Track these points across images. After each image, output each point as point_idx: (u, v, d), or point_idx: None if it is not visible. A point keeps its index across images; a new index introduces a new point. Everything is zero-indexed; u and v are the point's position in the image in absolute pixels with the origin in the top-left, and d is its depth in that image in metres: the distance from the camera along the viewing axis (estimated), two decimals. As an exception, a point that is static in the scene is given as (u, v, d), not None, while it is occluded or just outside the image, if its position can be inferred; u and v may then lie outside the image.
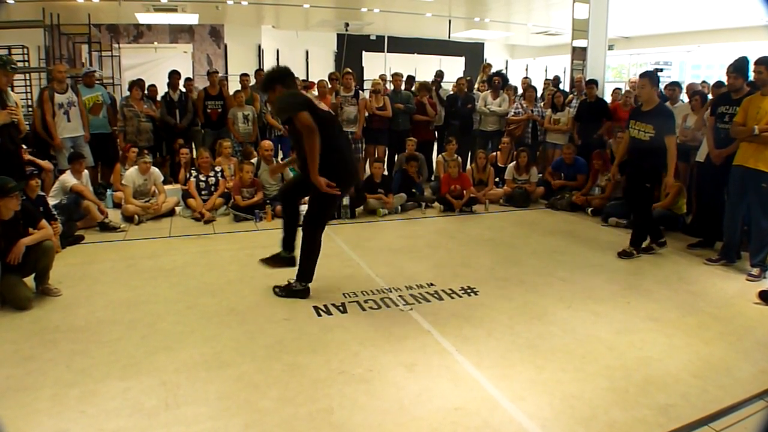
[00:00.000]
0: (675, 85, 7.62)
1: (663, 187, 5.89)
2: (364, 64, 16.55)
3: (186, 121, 8.57)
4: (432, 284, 4.63)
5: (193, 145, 8.76)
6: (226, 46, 14.83)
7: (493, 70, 10.94)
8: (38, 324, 3.78)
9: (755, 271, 4.88)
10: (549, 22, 14.27)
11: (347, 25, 14.56)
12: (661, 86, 8.22)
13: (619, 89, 9.60)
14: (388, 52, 16.30)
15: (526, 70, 18.71)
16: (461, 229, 6.63)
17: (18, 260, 4.01)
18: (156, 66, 13.60)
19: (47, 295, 4.23)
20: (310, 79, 11.08)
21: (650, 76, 5.40)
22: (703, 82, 9.90)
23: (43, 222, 4.32)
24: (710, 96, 6.74)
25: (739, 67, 5.22)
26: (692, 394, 2.98)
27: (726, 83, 5.64)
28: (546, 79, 11.60)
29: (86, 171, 6.70)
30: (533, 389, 3.01)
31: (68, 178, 6.30)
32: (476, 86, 10.31)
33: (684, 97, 7.86)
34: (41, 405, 2.80)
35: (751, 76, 5.02)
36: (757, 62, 4.78)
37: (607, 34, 9.36)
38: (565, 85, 10.42)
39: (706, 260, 5.34)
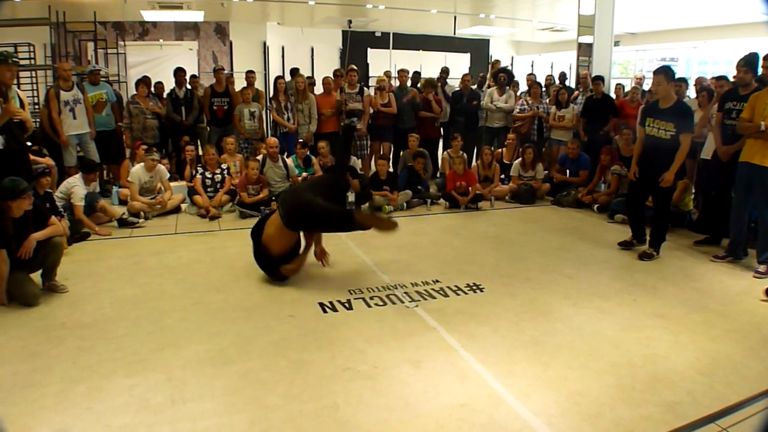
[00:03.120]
0: (681, 81, 7.58)
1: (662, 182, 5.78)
2: (369, 61, 16.51)
3: (191, 118, 8.59)
4: (437, 281, 4.63)
5: (199, 143, 8.78)
6: (231, 43, 14.82)
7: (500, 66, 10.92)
8: (45, 320, 3.80)
9: (762, 267, 4.86)
10: (554, 18, 14.19)
11: (350, 22, 14.52)
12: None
13: (621, 85, 9.56)
14: (393, 48, 16.26)
15: (532, 66, 18.61)
16: (466, 226, 6.62)
17: (29, 254, 4.05)
18: (161, 63, 13.58)
19: (54, 292, 4.25)
20: (315, 76, 11.03)
21: (665, 72, 5.17)
22: (713, 78, 9.84)
23: (53, 218, 4.35)
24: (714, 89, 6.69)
25: (750, 61, 5.17)
26: (698, 392, 2.97)
27: (733, 78, 5.60)
28: (548, 75, 11.55)
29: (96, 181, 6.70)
30: (539, 386, 3.01)
31: (77, 191, 5.98)
32: (488, 83, 10.22)
33: (691, 92, 7.82)
34: (47, 401, 2.81)
35: (760, 71, 4.99)
36: (766, 57, 4.74)
37: (613, 30, 9.31)
38: (570, 82, 10.38)
39: (713, 257, 5.31)
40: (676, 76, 5.62)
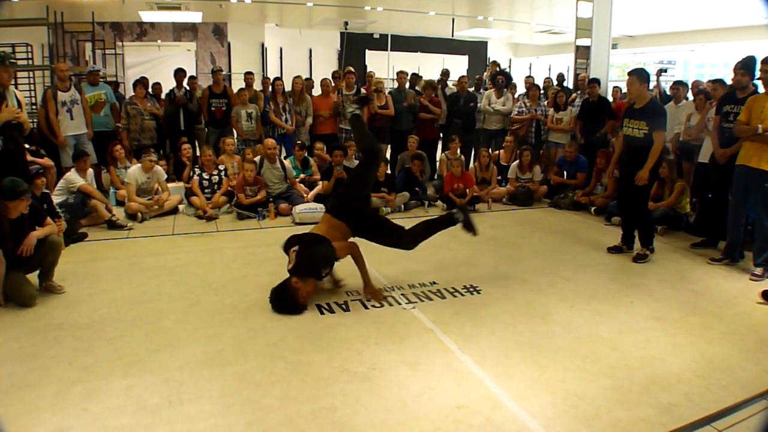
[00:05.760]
0: (680, 84, 7.61)
1: (655, 184, 5.77)
2: (367, 63, 16.52)
3: (193, 107, 8.59)
4: (434, 283, 4.63)
5: (197, 144, 8.77)
6: (229, 45, 14.83)
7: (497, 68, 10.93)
8: (42, 321, 3.79)
9: (758, 270, 4.86)
10: (552, 21, 14.23)
11: (346, 23, 14.55)
12: (667, 86, 8.22)
13: (618, 88, 9.58)
14: (391, 50, 16.27)
15: (530, 68, 18.67)
16: (464, 228, 6.61)
17: (30, 251, 4.04)
18: (159, 64, 13.58)
19: (51, 293, 4.24)
20: (313, 78, 11.03)
21: (638, 73, 5.26)
22: (709, 81, 9.87)
23: (48, 219, 4.34)
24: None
25: (747, 64, 5.18)
26: (695, 394, 2.97)
27: (731, 81, 5.62)
28: (546, 78, 11.57)
29: (90, 169, 6.72)
30: (536, 388, 3.01)
31: (75, 177, 6.30)
32: (486, 84, 10.21)
33: (690, 94, 7.84)
34: (44, 402, 2.81)
35: (758, 74, 5.00)
36: (764, 61, 4.75)
37: (610, 32, 9.33)
38: (568, 84, 10.39)
39: (710, 260, 5.32)
40: (673, 79, 5.63)
